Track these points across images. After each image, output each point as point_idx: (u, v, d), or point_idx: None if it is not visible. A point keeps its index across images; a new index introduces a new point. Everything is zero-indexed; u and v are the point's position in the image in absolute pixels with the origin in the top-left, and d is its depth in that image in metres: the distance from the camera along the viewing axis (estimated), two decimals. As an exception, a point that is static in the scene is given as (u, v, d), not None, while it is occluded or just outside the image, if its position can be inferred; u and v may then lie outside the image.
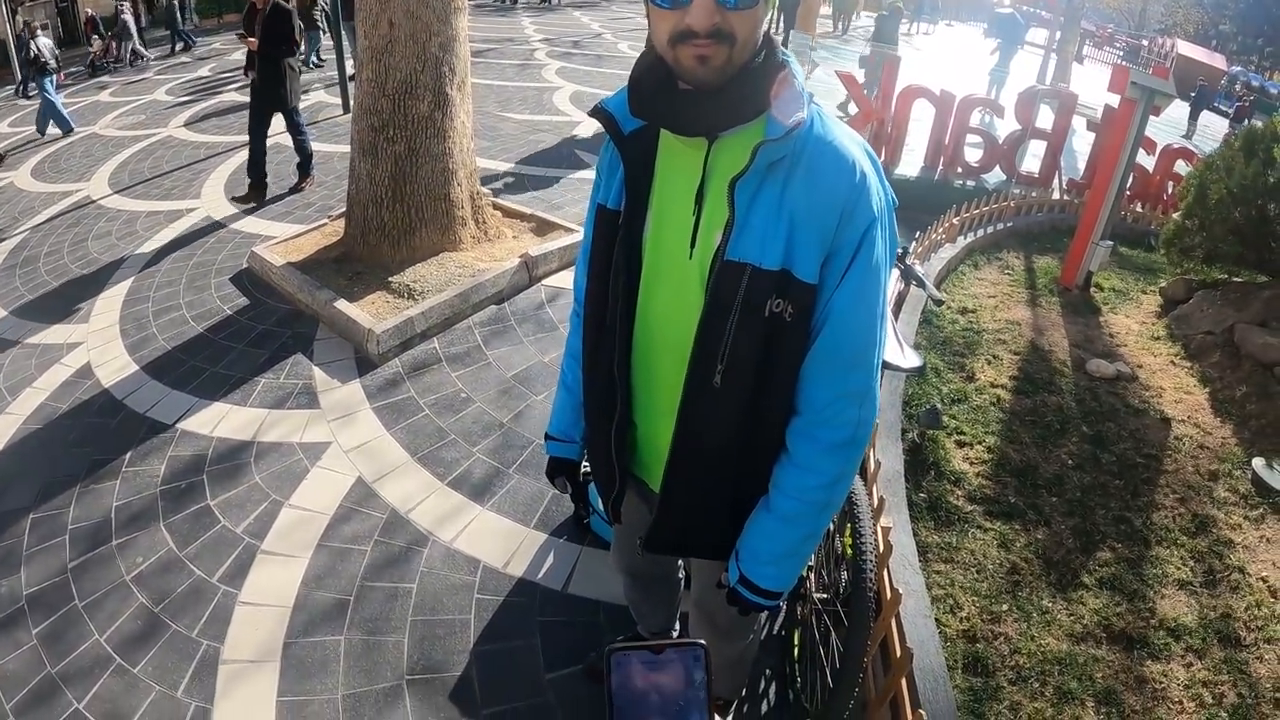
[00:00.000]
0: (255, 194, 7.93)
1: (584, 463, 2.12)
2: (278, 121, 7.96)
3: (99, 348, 5.44)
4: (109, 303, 6.09)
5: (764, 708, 2.94)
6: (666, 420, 1.63)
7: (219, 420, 4.55)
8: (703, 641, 0.70)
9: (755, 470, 1.65)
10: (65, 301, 6.19)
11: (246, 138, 7.86)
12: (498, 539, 3.67)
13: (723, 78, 1.36)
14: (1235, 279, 6.53)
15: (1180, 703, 3.01)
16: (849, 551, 2.73)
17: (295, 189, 8.28)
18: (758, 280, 1.41)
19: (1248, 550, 3.82)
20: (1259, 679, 3.12)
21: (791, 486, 1.59)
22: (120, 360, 5.25)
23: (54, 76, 11.65)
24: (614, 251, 1.60)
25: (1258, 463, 4.37)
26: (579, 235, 6.35)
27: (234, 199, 7.90)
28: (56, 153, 10.57)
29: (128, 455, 4.31)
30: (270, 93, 7.70)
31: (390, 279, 5.62)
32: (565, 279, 6.08)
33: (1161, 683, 3.08)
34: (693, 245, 1.50)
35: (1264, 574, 3.66)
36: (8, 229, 7.94)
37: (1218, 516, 4.03)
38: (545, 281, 6.02)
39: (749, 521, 1.68)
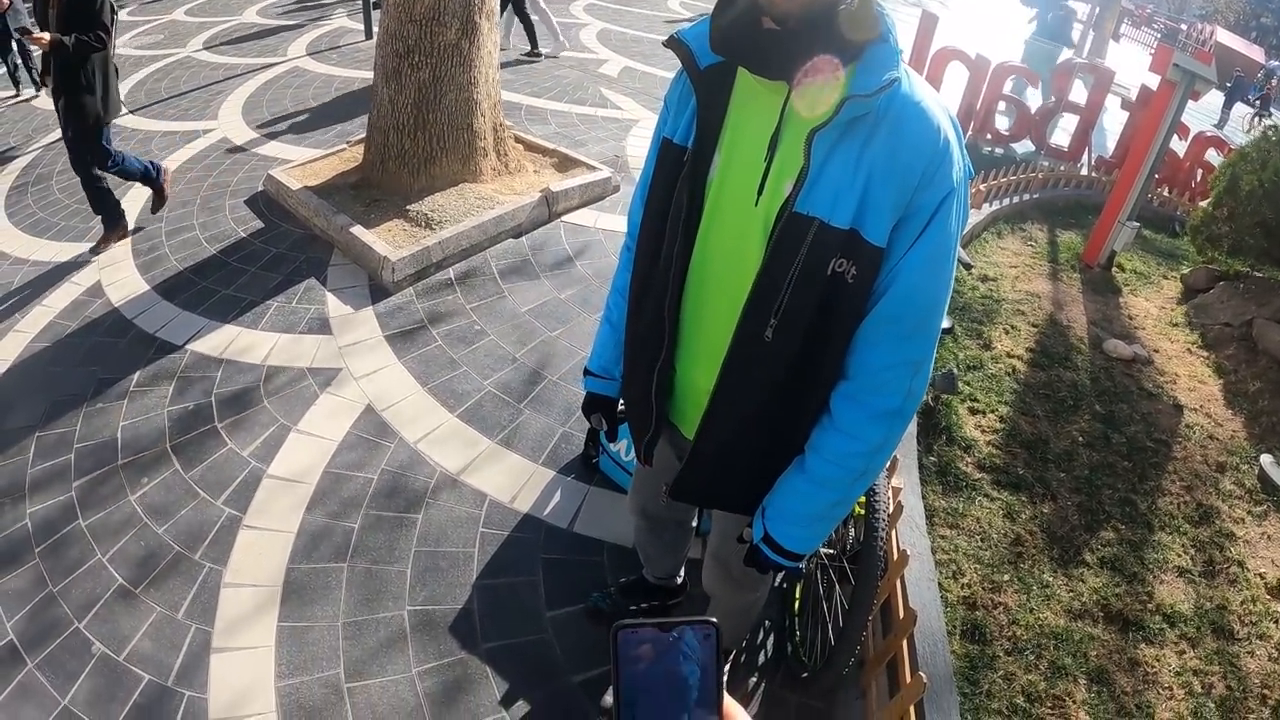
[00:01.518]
0: (111, 235, 5.72)
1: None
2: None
3: (110, 266, 5.36)
4: (122, 222, 5.97)
5: (760, 659, 2.91)
6: (710, 368, 1.58)
7: (229, 343, 4.48)
8: (714, 619, 0.66)
9: (793, 430, 1.59)
10: (77, 219, 6.09)
11: (267, 60, 7.38)
12: (505, 474, 3.61)
13: (808, 10, 1.26)
14: (1257, 273, 6.47)
15: (1170, 689, 3.04)
16: (859, 509, 2.68)
17: (95, 248, 5.65)
18: (824, 237, 1.34)
19: (1248, 545, 3.83)
20: (1248, 673, 3.15)
21: (831, 451, 1.53)
22: (131, 280, 5.17)
23: None
24: (675, 188, 1.53)
25: (1266, 459, 4.37)
26: (601, 173, 6.22)
27: (91, 250, 5.65)
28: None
29: (136, 375, 4.25)
30: (71, 110, 5.22)
31: (408, 207, 5.51)
32: (585, 216, 5.96)
33: (1153, 667, 3.11)
34: (759, 192, 1.42)
35: (1262, 570, 3.69)
36: (21, 146, 7.81)
37: (1222, 508, 4.04)
38: (565, 218, 5.89)
39: (781, 480, 1.63)
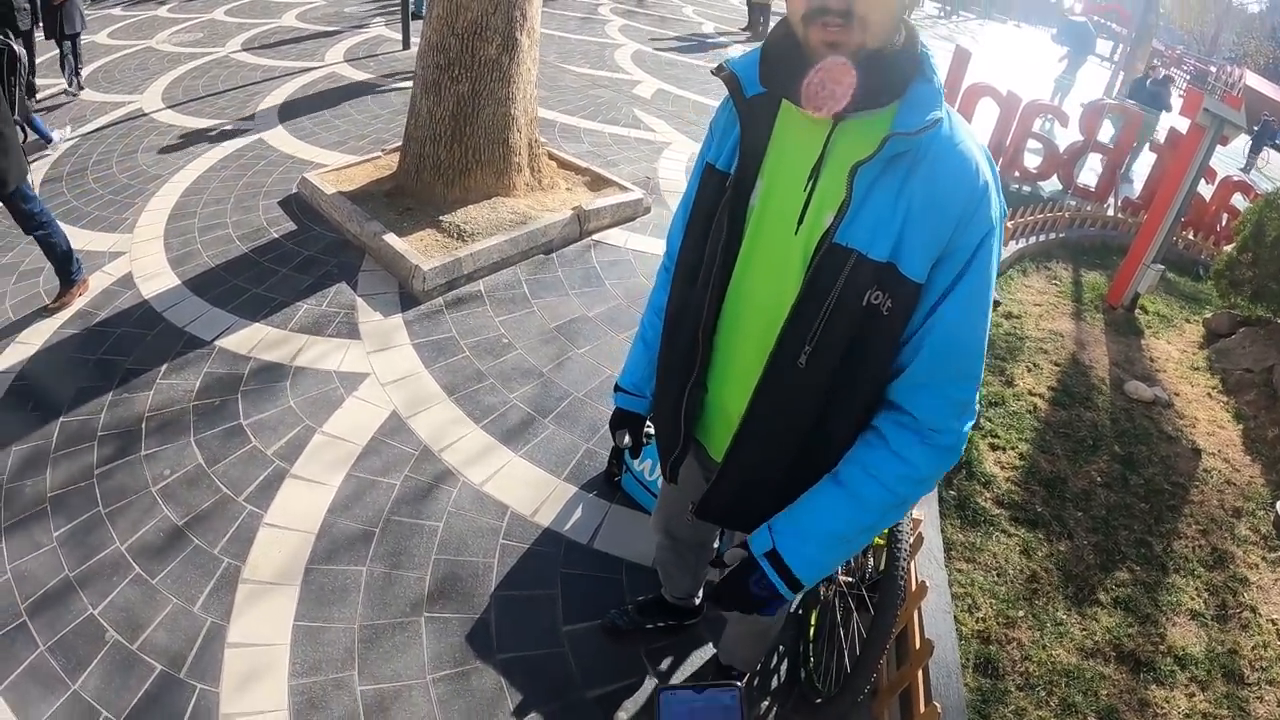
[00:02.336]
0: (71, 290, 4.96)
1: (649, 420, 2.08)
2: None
3: (142, 259, 5.40)
4: (155, 215, 6.04)
5: (774, 683, 2.88)
6: (741, 391, 1.59)
7: (257, 341, 4.50)
8: (739, 684, 0.82)
9: (822, 455, 1.57)
10: (112, 209, 6.16)
11: (305, 64, 7.39)
12: (528, 487, 3.60)
13: (855, 53, 1.31)
14: None
15: None
16: (879, 540, 2.68)
17: (54, 304, 4.90)
18: (861, 269, 1.36)
19: (1261, 591, 3.82)
20: (1257, 718, 3.15)
21: (881, 469, 1.49)
22: (163, 273, 5.21)
23: None
24: (717, 213, 1.56)
25: None
26: (633, 194, 6.25)
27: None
28: (110, 64, 10.50)
29: (163, 368, 4.28)
30: None
31: (441, 218, 5.54)
32: (616, 236, 5.98)
33: (1163, 708, 3.11)
34: (799, 222, 1.45)
35: (1275, 616, 3.68)
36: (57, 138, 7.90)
37: (1236, 553, 4.03)
38: (596, 236, 5.91)
39: (807, 496, 1.58)
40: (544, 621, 3.01)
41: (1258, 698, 3.23)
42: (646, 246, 5.86)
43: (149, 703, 2.69)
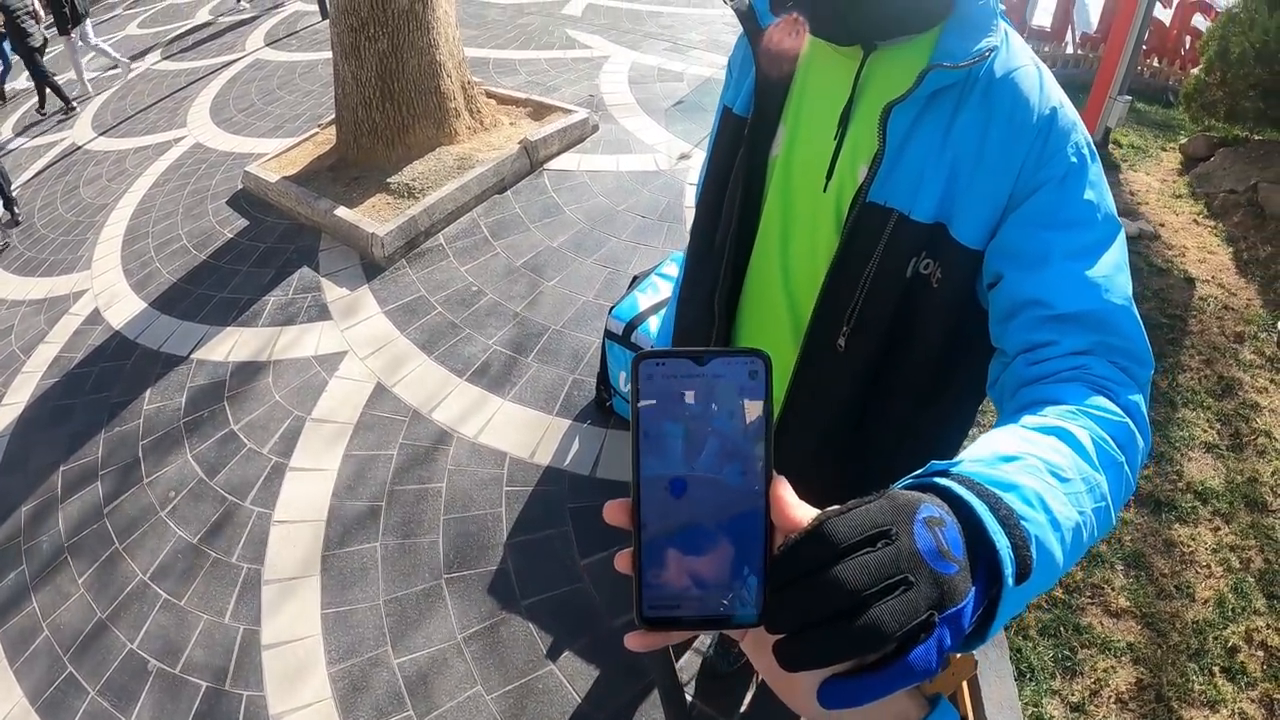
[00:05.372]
0: None
1: None
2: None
3: (105, 291, 5.34)
4: (109, 245, 5.95)
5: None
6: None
7: (233, 345, 4.46)
8: (763, 349, 0.50)
9: (863, 453, 1.33)
10: (66, 251, 6.09)
11: (227, 57, 7.26)
12: (522, 429, 3.59)
13: None
14: (1257, 136, 6.23)
15: (1208, 566, 2.98)
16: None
17: None
18: (904, 231, 1.12)
19: (1274, 414, 3.71)
20: None
21: (1110, 425, 0.86)
22: (128, 300, 5.15)
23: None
24: (734, 165, 1.32)
25: None
26: (578, 115, 6.08)
27: None
28: (34, 105, 10.33)
29: (147, 393, 4.26)
30: None
31: (388, 180, 5.43)
32: (568, 161, 5.84)
33: (1189, 546, 3.05)
34: (829, 176, 1.20)
35: None
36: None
37: (1244, 379, 3.91)
38: (548, 166, 5.78)
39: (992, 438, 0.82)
40: (561, 559, 3.02)
41: (1285, 523, 3.18)
42: (600, 165, 5.73)
43: (202, 720, 2.73)
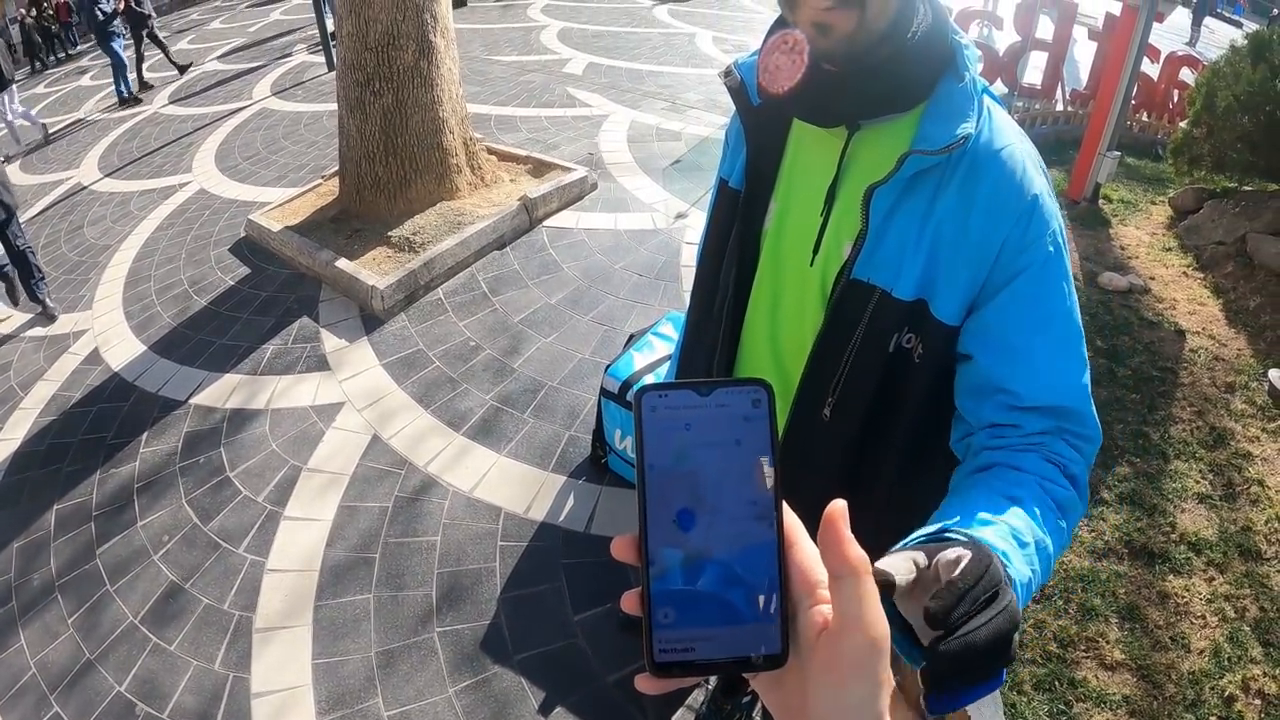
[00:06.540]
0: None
1: None
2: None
3: (105, 332, 5.39)
4: (111, 287, 6.03)
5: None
6: None
7: (231, 392, 4.51)
8: (765, 380, 0.51)
9: (854, 513, 1.30)
10: (68, 290, 6.16)
11: (233, 105, 7.44)
12: (517, 484, 3.64)
13: (852, 51, 1.07)
14: (1245, 187, 6.35)
15: (1203, 617, 3.01)
16: None
17: None
18: (886, 308, 1.16)
19: (1266, 463, 3.77)
20: None
21: (1058, 492, 1.03)
22: (128, 343, 5.21)
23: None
24: (730, 237, 1.38)
25: (1274, 374, 4.29)
26: (577, 173, 6.23)
27: None
28: (42, 143, 10.48)
29: (144, 436, 4.29)
30: None
31: (389, 233, 5.53)
32: (566, 218, 5.97)
33: (1184, 597, 3.08)
34: (815, 251, 1.25)
35: None
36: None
37: (1235, 429, 3.97)
38: (546, 223, 5.90)
39: (963, 493, 1.04)
40: (554, 615, 3.05)
41: (1278, 571, 3.19)
42: (598, 224, 5.85)
43: (187, 769, 2.74)
